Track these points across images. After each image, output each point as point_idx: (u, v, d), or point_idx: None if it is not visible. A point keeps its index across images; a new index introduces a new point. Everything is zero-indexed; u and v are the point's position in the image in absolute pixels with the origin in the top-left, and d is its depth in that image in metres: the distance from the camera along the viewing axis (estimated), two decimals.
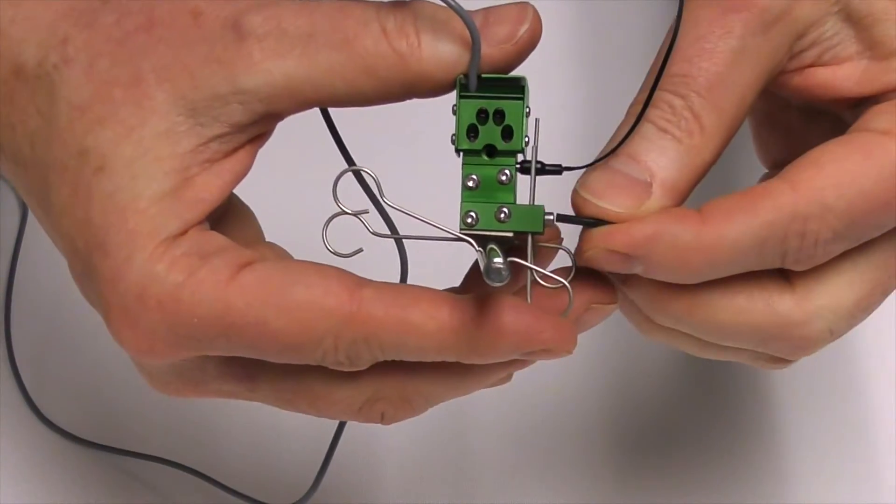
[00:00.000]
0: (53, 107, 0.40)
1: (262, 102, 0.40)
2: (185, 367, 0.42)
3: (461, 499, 0.59)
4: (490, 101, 0.40)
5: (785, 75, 0.43)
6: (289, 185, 0.58)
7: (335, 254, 0.41)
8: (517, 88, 0.40)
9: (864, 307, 0.42)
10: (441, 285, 0.42)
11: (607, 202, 0.41)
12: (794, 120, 0.46)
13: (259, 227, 0.44)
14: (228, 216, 0.42)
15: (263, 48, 0.39)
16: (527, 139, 0.41)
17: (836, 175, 0.40)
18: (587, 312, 0.42)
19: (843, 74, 0.43)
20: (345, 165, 0.43)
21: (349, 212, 0.41)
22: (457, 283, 0.44)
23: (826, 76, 0.43)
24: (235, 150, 0.41)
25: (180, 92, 0.39)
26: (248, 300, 0.39)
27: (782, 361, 0.44)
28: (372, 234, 0.42)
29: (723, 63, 0.41)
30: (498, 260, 0.37)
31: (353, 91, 0.40)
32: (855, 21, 0.42)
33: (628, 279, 0.42)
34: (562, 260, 0.43)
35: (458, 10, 0.39)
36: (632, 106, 0.43)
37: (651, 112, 0.41)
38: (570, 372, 0.60)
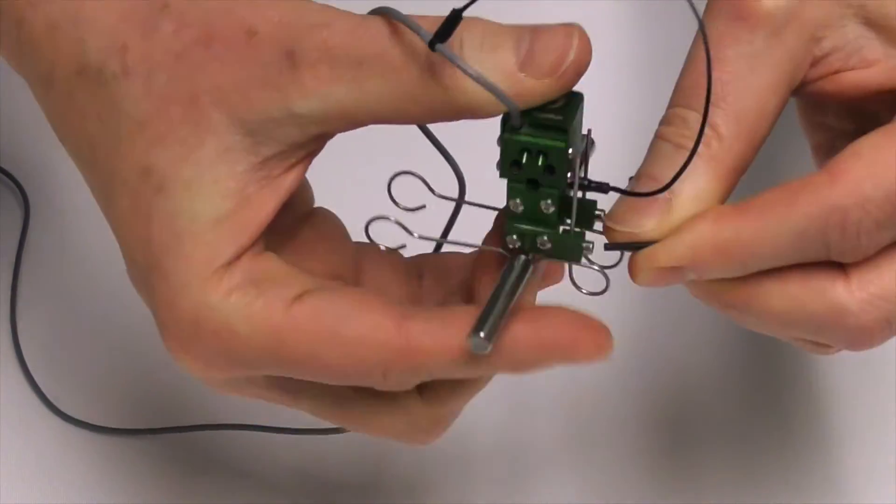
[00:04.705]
0: (114, 118, 0.41)
1: (316, 125, 0.41)
2: (236, 377, 0.43)
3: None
4: (533, 141, 0.40)
5: (817, 83, 0.44)
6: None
7: (404, 209, 0.43)
8: (561, 132, 0.40)
9: None
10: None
11: (630, 226, 0.42)
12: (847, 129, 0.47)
13: (310, 191, 0.46)
14: None
15: (316, 76, 0.40)
16: (570, 177, 0.40)
17: (874, 165, 0.40)
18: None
19: (872, 75, 0.43)
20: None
21: (415, 174, 0.43)
22: None
23: (857, 77, 0.43)
24: (292, 166, 0.42)
25: (236, 114, 0.40)
26: (301, 336, 0.40)
27: (827, 347, 0.44)
28: (437, 196, 0.43)
29: (734, 71, 0.42)
30: (482, 334, 0.38)
31: (400, 115, 0.40)
32: (876, 25, 0.43)
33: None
34: None
35: (489, 85, 0.39)
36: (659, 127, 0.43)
37: (665, 130, 0.42)
38: (609, 364, 0.59)
